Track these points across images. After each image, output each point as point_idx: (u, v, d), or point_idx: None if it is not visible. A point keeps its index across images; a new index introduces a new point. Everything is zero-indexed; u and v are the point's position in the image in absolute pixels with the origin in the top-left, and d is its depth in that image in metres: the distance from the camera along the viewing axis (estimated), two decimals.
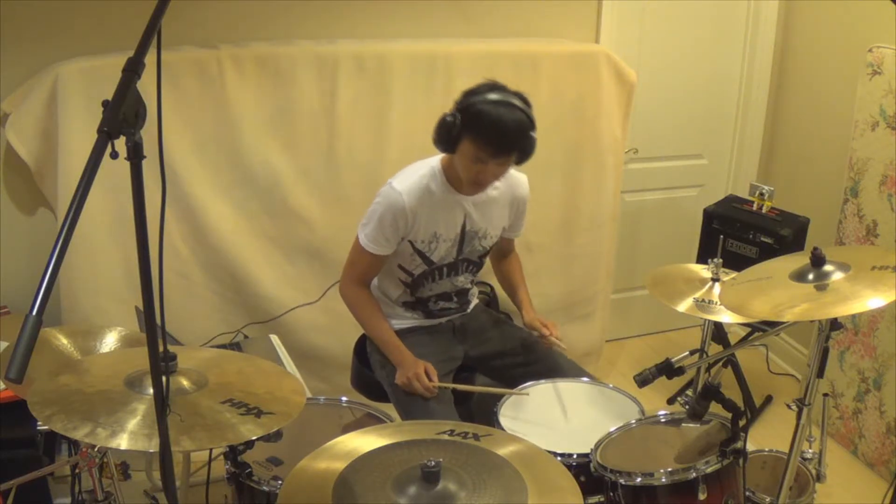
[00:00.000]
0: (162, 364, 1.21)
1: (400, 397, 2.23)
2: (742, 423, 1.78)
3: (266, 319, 2.96)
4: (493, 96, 2.05)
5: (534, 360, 2.31)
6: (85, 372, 1.57)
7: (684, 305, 2.25)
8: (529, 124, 2.08)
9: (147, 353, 1.18)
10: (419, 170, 2.24)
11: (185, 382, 1.50)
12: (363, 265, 2.27)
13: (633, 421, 1.93)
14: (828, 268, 1.72)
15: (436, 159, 2.25)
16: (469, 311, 2.47)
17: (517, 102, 2.07)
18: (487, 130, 2.03)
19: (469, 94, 2.09)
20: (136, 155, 1.05)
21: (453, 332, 2.41)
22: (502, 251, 2.54)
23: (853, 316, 2.92)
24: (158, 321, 1.17)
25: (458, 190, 2.23)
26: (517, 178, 2.36)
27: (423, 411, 2.14)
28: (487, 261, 2.45)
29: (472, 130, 2.05)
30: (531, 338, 2.40)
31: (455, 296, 2.39)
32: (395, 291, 2.37)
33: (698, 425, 1.88)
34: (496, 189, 2.29)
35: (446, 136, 2.10)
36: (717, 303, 2.24)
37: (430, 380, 2.15)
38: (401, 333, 2.34)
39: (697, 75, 3.65)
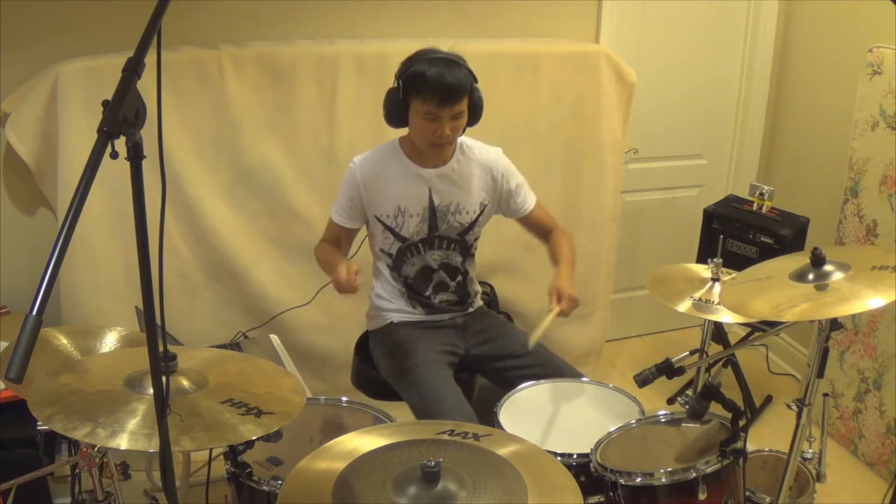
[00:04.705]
0: (162, 364, 1.21)
1: (410, 387, 2.24)
2: (742, 423, 1.78)
3: (261, 323, 2.96)
4: (427, 56, 2.14)
5: (533, 363, 2.31)
6: (85, 372, 1.57)
7: (684, 305, 2.25)
8: (469, 73, 2.16)
9: (147, 353, 1.18)
10: (380, 146, 2.33)
11: (185, 382, 1.50)
12: (332, 231, 2.37)
13: (633, 421, 1.93)
14: (828, 268, 1.72)
15: (396, 138, 2.32)
16: (472, 310, 2.47)
17: (454, 58, 2.16)
18: (430, 82, 2.10)
19: (405, 62, 2.17)
20: (136, 155, 1.05)
21: (455, 329, 2.42)
22: (541, 233, 2.49)
23: (853, 316, 2.92)
24: (158, 321, 1.17)
25: (419, 164, 2.28)
26: (486, 149, 2.37)
27: (435, 398, 2.15)
28: (490, 259, 2.43)
29: (415, 89, 2.13)
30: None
31: (448, 278, 2.38)
32: (389, 283, 2.40)
33: (698, 425, 1.88)
34: (463, 161, 2.32)
35: (394, 107, 2.19)
36: (717, 302, 2.24)
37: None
38: (403, 325, 2.37)
39: (697, 75, 3.65)
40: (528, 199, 2.43)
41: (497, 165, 2.37)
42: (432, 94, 2.10)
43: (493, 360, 2.38)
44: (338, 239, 2.37)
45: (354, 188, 2.28)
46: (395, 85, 2.18)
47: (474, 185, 2.34)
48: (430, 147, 2.22)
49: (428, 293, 2.39)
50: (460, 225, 2.34)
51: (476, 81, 2.19)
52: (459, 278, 2.41)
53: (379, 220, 2.30)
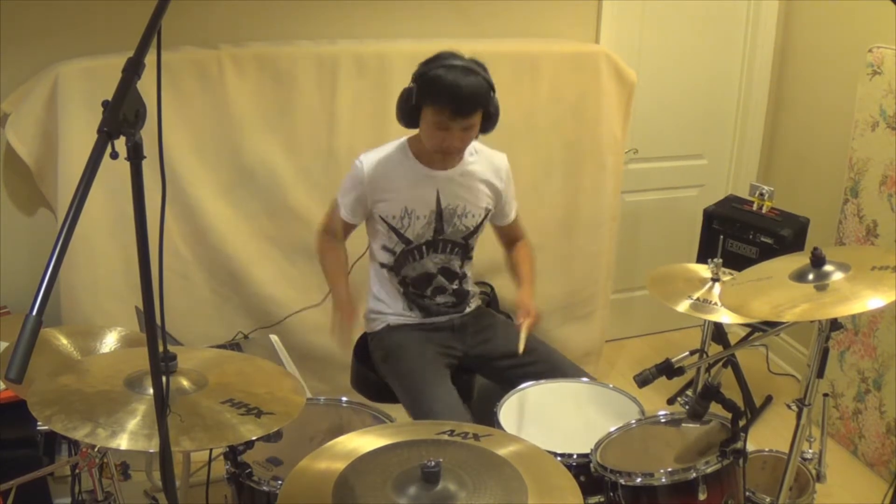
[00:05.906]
0: (162, 364, 1.21)
1: (405, 391, 2.24)
2: (742, 423, 1.78)
3: (269, 324, 2.96)
4: (446, 62, 2.09)
5: (534, 361, 2.31)
6: (85, 372, 1.57)
7: (684, 305, 2.25)
8: (487, 85, 2.11)
9: (147, 353, 1.18)
10: (387, 145, 2.29)
11: (185, 382, 1.50)
12: (336, 223, 2.36)
13: (633, 421, 1.93)
14: (828, 268, 1.72)
15: (404, 137, 2.29)
16: (469, 310, 2.46)
17: (473, 66, 2.11)
18: (443, 92, 2.06)
19: (424, 64, 2.13)
20: (136, 155, 1.05)
21: (452, 330, 2.41)
22: (509, 240, 2.52)
23: (853, 316, 2.92)
24: (158, 321, 1.17)
25: (428, 166, 2.26)
26: (493, 154, 2.37)
27: (427, 402, 2.15)
28: (490, 259, 2.43)
29: (429, 96, 2.08)
30: (533, 339, 2.40)
31: (447, 282, 2.38)
32: (388, 283, 2.38)
33: (698, 425, 1.88)
34: (472, 164, 2.30)
35: (406, 107, 2.14)
36: (717, 303, 2.24)
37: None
38: (400, 328, 2.36)
39: (697, 75, 3.65)
40: (514, 208, 2.46)
41: (503, 172, 2.38)
42: (445, 105, 2.06)
43: (493, 359, 2.38)
44: (339, 231, 2.35)
45: (360, 186, 2.25)
46: (409, 87, 2.12)
47: (481, 190, 2.34)
48: (437, 153, 2.21)
49: (427, 294, 2.39)
50: (466, 228, 2.34)
51: (493, 91, 2.14)
52: (457, 282, 2.41)
53: (384, 221, 2.28)
